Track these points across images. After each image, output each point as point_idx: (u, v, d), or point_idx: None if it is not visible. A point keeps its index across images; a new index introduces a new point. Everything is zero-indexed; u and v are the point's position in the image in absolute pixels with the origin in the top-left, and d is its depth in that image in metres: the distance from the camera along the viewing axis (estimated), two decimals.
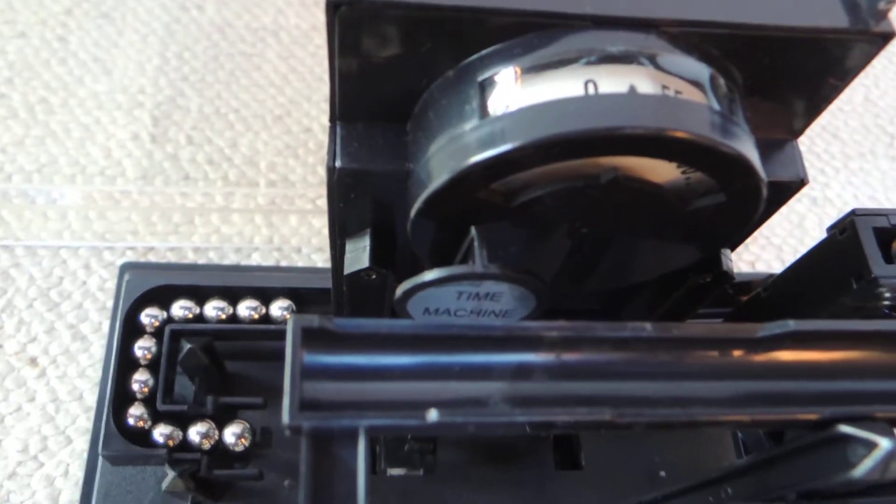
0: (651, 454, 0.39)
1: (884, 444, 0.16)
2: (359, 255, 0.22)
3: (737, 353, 0.17)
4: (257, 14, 0.57)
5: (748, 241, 0.54)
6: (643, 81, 0.17)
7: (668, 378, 0.16)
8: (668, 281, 0.24)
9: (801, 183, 0.21)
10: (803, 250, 0.55)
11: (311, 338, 0.15)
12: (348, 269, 0.22)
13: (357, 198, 0.20)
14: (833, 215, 0.55)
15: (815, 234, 0.54)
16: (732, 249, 0.24)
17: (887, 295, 0.27)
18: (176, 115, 0.51)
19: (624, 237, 0.21)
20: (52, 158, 0.48)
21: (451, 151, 0.17)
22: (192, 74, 0.53)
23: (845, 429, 0.16)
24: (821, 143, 0.59)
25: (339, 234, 0.22)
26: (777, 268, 0.52)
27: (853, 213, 0.26)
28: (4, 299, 0.44)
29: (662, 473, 0.38)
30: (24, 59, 0.51)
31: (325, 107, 0.53)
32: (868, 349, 0.18)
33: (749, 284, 0.33)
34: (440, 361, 0.16)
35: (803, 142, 0.58)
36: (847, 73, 0.19)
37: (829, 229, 0.27)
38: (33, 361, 0.43)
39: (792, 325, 0.17)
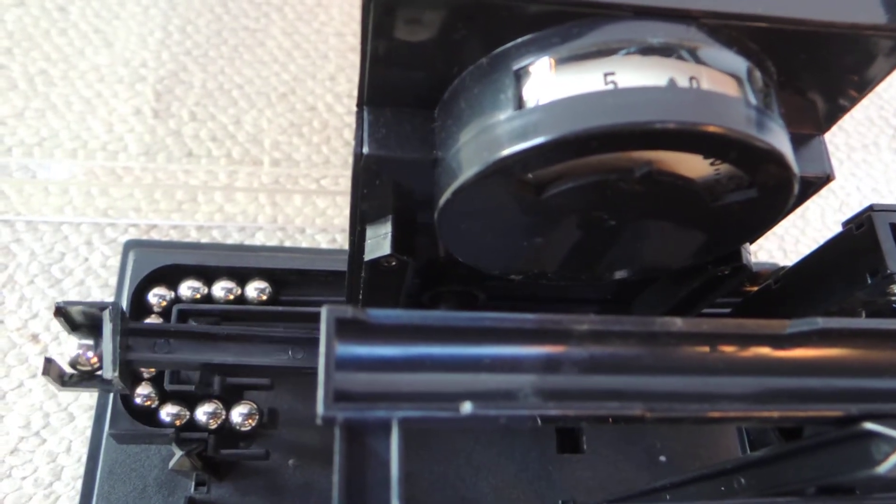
0: (652, 440, 0.39)
1: None
2: (380, 241, 0.21)
3: (765, 349, 0.17)
4: None
5: None
6: (681, 75, 0.16)
7: (696, 373, 0.17)
8: (686, 272, 0.24)
9: (826, 179, 0.21)
10: (805, 240, 0.56)
11: (345, 328, 0.15)
12: (369, 255, 0.22)
13: (382, 184, 0.20)
14: (836, 206, 0.55)
15: (816, 225, 0.54)
16: (752, 243, 0.24)
17: None
18: (178, 90, 0.51)
19: (649, 228, 0.21)
20: (53, 132, 0.48)
21: (484, 142, 0.17)
22: (194, 49, 0.53)
23: (870, 426, 0.17)
24: (826, 134, 0.59)
25: (360, 220, 0.22)
26: (779, 257, 0.52)
27: (871, 208, 0.26)
28: (5, 275, 0.43)
29: (663, 458, 0.39)
30: (24, 29, 0.50)
31: (330, 85, 0.53)
32: (889, 347, 0.18)
33: (755, 275, 0.33)
34: (472, 353, 0.16)
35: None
36: (882, 69, 0.19)
37: (845, 224, 0.28)
38: (35, 338, 0.42)
39: (820, 322, 0.17)
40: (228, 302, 0.35)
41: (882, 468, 0.16)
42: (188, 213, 0.47)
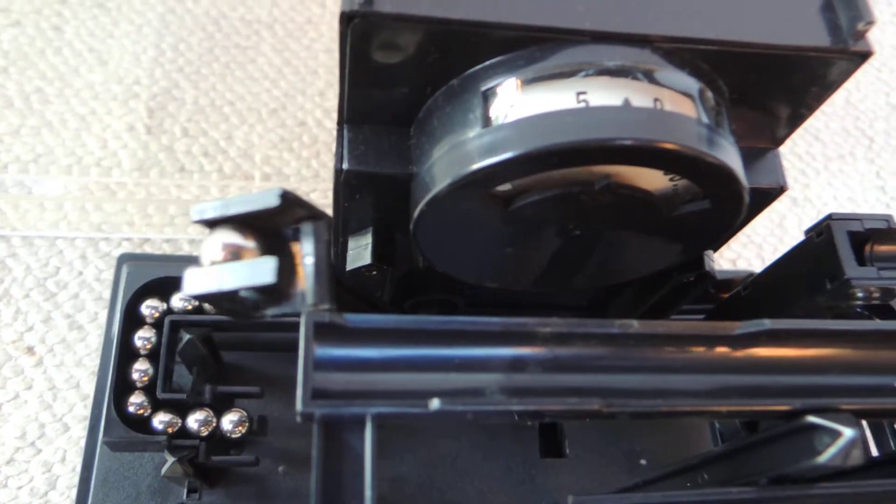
0: (633, 443, 0.40)
1: (847, 433, 0.17)
2: (361, 252, 0.23)
3: (716, 349, 0.18)
4: (252, 6, 0.57)
5: (731, 241, 0.55)
6: (637, 95, 0.18)
7: (652, 371, 0.18)
8: (654, 280, 0.26)
9: (780, 190, 0.22)
10: (783, 249, 0.57)
11: (323, 332, 0.16)
12: (351, 265, 0.23)
13: (361, 198, 0.21)
14: (813, 216, 0.57)
15: (794, 234, 0.56)
16: (715, 251, 0.26)
17: (860, 295, 0.29)
18: (171, 106, 0.52)
19: (614, 238, 0.22)
20: (48, 149, 0.49)
21: (454, 157, 0.18)
22: (187, 66, 0.54)
23: (813, 419, 0.18)
24: (803, 144, 0.61)
25: (342, 232, 0.23)
26: (758, 266, 0.53)
27: (830, 217, 0.28)
28: (1, 289, 0.44)
29: (643, 462, 0.40)
30: (19, 49, 0.52)
31: (320, 101, 0.54)
32: (837, 346, 0.19)
33: (730, 283, 0.34)
34: (442, 354, 0.17)
35: (785, 142, 0.61)
36: (828, 87, 0.20)
37: (807, 232, 0.29)
38: (30, 350, 0.43)
39: (767, 323, 0.18)
40: (219, 313, 0.36)
41: (823, 458, 0.17)
42: (181, 227, 0.48)
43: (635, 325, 0.18)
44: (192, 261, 0.46)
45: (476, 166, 0.18)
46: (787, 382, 0.19)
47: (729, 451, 0.21)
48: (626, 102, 0.17)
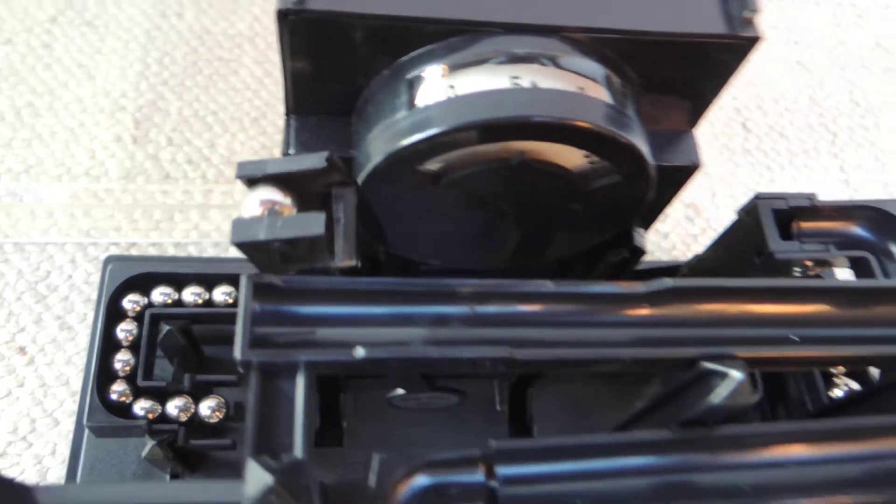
0: (601, 429, 0.42)
1: (736, 375, 0.19)
2: None
3: (622, 305, 0.20)
4: (234, 21, 0.60)
5: (697, 233, 0.57)
6: (544, 78, 0.20)
7: (561, 325, 0.20)
8: (592, 256, 0.27)
9: (694, 167, 0.24)
10: None
11: (261, 291, 0.18)
12: None
13: None
14: None
15: None
16: (646, 228, 0.28)
17: (797, 270, 0.31)
18: (157, 117, 0.54)
19: (542, 215, 0.24)
20: (39, 160, 0.51)
21: (386, 137, 0.21)
22: (171, 79, 0.56)
23: (708, 365, 0.20)
24: (768, 141, 0.63)
25: None
26: None
27: (757, 196, 0.30)
28: None
29: None
30: (11, 66, 0.54)
31: None
32: (735, 302, 0.21)
33: (677, 267, 0.36)
34: (371, 312, 0.19)
35: (752, 140, 0.63)
36: (725, 71, 0.22)
37: (738, 212, 0.31)
38: (22, 350, 0.45)
39: (669, 282, 0.20)
40: (198, 305, 0.38)
41: (716, 398, 0.19)
42: (166, 231, 0.50)
43: (549, 285, 0.20)
44: (174, 261, 0.48)
45: (404, 142, 0.20)
46: (688, 334, 0.20)
47: (651, 406, 0.23)
48: (534, 85, 0.20)
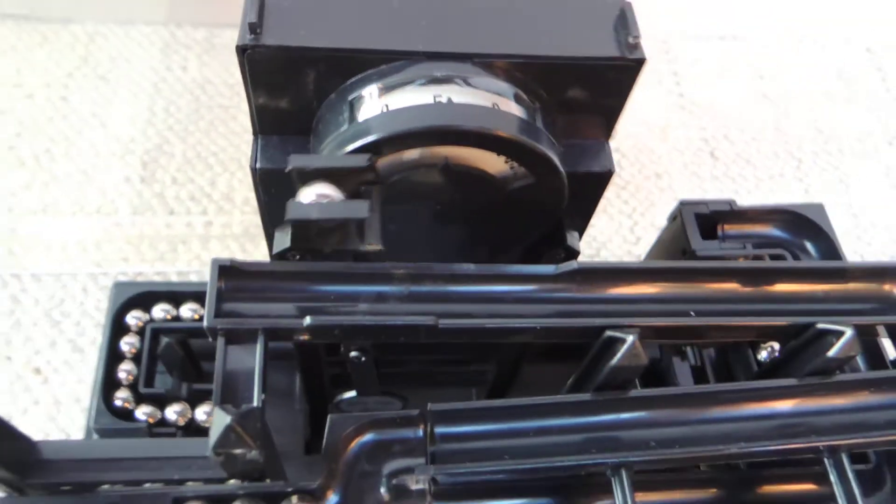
0: None
1: (629, 338, 0.23)
2: (283, 238, 0.29)
3: (537, 284, 0.24)
4: (233, 71, 0.65)
5: None
6: (459, 96, 0.24)
7: (482, 301, 0.23)
8: (529, 255, 0.31)
9: (610, 173, 0.28)
10: None
11: (226, 273, 0.22)
12: (275, 249, 0.29)
13: (276, 192, 0.27)
14: None
15: None
16: (580, 232, 0.31)
17: None
18: (162, 159, 0.59)
19: (475, 216, 0.28)
20: (55, 199, 0.56)
21: (334, 146, 0.25)
22: (176, 125, 0.62)
23: (610, 332, 0.23)
24: (735, 168, 0.67)
25: (270, 224, 0.29)
26: None
27: (681, 203, 0.33)
28: (13, 319, 0.51)
29: None
30: (32, 117, 0.60)
31: None
32: (638, 282, 0.25)
33: None
34: (320, 290, 0.23)
35: (720, 167, 0.67)
36: (623, 89, 0.26)
37: (668, 218, 0.35)
38: (38, 371, 0.49)
39: (576, 264, 0.24)
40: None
41: (614, 360, 0.23)
42: (169, 261, 0.55)
43: (472, 268, 0.24)
44: (174, 285, 0.52)
45: (348, 148, 0.24)
46: (594, 309, 0.24)
47: (577, 377, 0.26)
48: (449, 101, 0.24)
